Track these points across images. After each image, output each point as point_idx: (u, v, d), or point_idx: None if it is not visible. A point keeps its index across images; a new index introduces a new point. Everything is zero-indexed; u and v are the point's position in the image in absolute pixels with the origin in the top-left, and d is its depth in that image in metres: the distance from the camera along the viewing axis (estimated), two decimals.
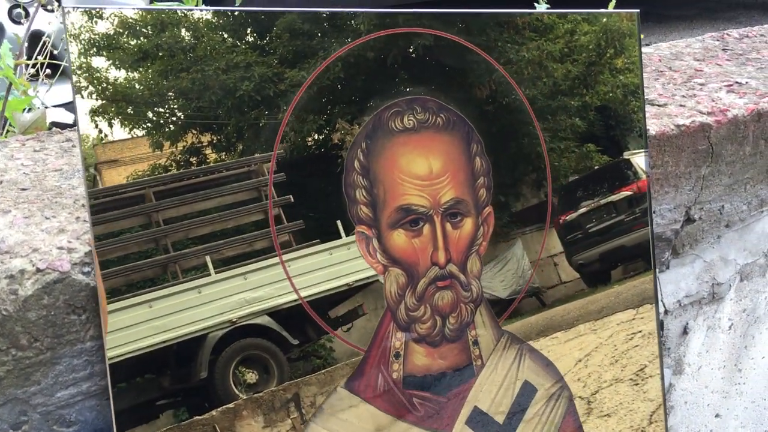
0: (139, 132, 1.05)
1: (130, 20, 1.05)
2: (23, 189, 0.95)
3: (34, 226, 0.88)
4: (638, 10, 1.17)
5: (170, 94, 1.06)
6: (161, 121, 1.06)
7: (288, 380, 1.07)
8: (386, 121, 1.00)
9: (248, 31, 1.12)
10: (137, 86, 1.04)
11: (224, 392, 1.07)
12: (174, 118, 1.07)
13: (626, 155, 1.27)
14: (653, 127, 1.23)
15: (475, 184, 1.04)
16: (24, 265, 0.80)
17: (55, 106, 1.60)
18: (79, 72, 0.99)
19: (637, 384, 1.30)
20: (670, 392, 1.48)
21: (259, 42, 1.11)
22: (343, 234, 1.07)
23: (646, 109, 1.29)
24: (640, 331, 1.28)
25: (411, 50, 1.13)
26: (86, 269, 0.84)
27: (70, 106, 2.66)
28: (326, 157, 1.09)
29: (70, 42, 0.99)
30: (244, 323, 1.06)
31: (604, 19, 1.26)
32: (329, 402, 0.98)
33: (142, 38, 1.05)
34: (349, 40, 1.11)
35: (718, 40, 1.71)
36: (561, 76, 1.23)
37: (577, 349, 1.23)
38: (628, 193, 1.26)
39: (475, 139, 1.05)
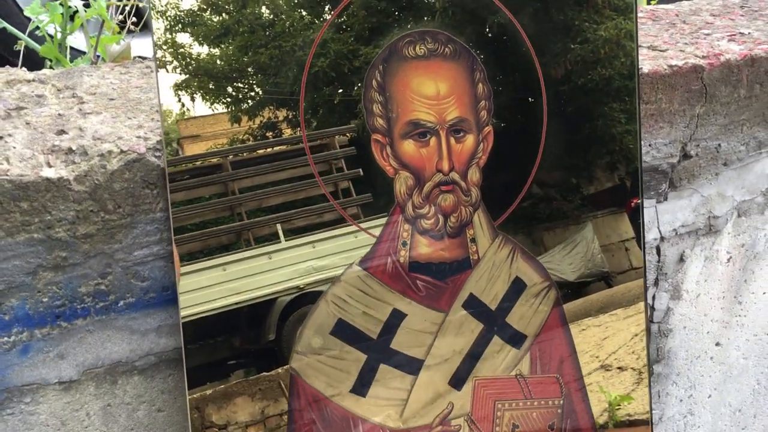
0: (220, 107, 1.11)
1: None
2: (111, 99, 1.21)
3: (119, 123, 1.12)
4: None
5: (249, 69, 1.11)
6: (240, 96, 1.12)
7: None
8: (401, 49, 1.15)
9: (326, 9, 1.16)
10: (218, 62, 1.10)
11: (290, 355, 1.14)
12: (252, 93, 1.12)
13: None
14: (647, 66, 1.38)
15: (477, 106, 1.19)
16: (111, 147, 1.05)
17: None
18: (164, 47, 1.07)
19: None
20: (668, 316, 1.63)
21: (336, 20, 1.15)
22: None
23: (646, 53, 1.44)
24: None
25: (486, 30, 1.19)
26: (157, 154, 1.08)
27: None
28: None
29: (156, 18, 1.06)
30: (312, 290, 1.14)
31: None
32: (346, 274, 1.17)
33: (224, 14, 1.11)
34: (426, 18, 1.16)
35: None
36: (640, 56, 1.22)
37: (635, 324, 1.33)
38: None
39: (478, 67, 1.19)
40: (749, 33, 1.55)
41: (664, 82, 1.39)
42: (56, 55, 1.44)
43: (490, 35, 1.20)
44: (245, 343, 1.14)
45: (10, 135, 1.08)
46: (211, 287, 1.10)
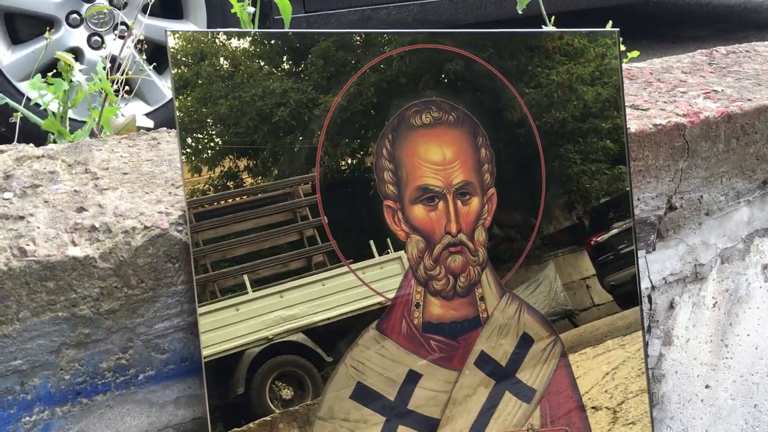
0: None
1: (171, 50, 1.12)
2: (125, 173, 1.23)
3: (138, 198, 1.14)
4: (618, 30, 1.40)
5: (209, 120, 1.12)
6: (200, 147, 1.12)
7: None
8: (408, 118, 1.22)
9: (284, 59, 1.18)
10: (177, 113, 1.09)
11: (260, 408, 1.14)
12: (212, 144, 1.13)
13: None
14: (633, 125, 1.46)
15: (481, 169, 1.26)
16: (135, 224, 1.07)
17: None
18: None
19: None
20: (660, 362, 1.69)
21: (294, 69, 1.18)
22: (376, 254, 1.18)
23: (630, 112, 1.52)
24: None
25: (443, 76, 1.24)
26: (179, 228, 1.10)
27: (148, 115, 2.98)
28: (360, 180, 1.19)
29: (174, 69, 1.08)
30: (280, 340, 1.13)
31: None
32: (362, 339, 1.20)
33: (182, 67, 1.12)
34: (382, 66, 1.18)
35: (706, 56, 1.93)
36: (591, 98, 1.32)
37: (605, 363, 1.35)
38: None
39: (480, 133, 1.26)
40: (722, 90, 1.65)
41: (650, 140, 1.47)
42: (59, 129, 1.47)
43: (446, 81, 1.24)
44: (213, 398, 1.12)
45: (31, 215, 1.09)
46: None
